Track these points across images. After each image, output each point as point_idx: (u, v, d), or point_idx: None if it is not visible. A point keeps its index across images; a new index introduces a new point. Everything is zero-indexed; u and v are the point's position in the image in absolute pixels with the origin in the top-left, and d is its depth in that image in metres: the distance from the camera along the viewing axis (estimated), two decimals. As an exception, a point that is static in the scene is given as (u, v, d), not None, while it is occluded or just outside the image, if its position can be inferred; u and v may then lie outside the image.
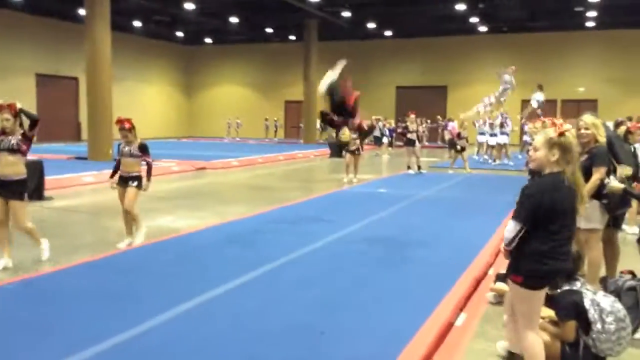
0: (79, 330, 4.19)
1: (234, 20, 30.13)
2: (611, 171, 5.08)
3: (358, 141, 14.31)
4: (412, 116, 16.83)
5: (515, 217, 3.31)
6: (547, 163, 3.31)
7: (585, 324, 3.77)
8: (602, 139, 5.10)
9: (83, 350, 3.79)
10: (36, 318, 4.43)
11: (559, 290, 3.96)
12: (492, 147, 20.45)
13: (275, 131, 36.89)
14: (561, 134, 3.27)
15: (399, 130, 17.40)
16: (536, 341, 3.39)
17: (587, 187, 5.09)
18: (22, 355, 3.74)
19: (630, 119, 13.32)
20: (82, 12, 21.59)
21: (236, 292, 5.12)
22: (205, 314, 4.55)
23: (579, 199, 3.29)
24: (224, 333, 4.16)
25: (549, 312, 3.99)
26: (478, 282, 5.69)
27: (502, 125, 19.94)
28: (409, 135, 16.77)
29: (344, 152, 15.09)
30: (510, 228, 3.32)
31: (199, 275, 5.68)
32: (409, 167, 16.86)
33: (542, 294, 3.40)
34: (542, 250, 3.22)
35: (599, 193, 5.01)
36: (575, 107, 29.71)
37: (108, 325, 4.26)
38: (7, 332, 4.15)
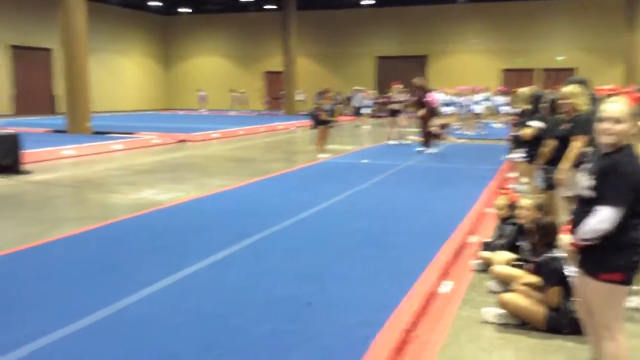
0: (65, 303, 4.16)
1: (211, -11, 29.56)
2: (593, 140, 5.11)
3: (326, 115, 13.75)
4: (395, 86, 16.78)
5: (612, 202, 2.71)
6: (626, 136, 2.83)
7: (568, 290, 3.85)
8: (583, 107, 5.15)
9: (68, 324, 3.77)
10: (20, 292, 4.39)
11: (543, 256, 4.03)
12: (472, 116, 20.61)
13: (244, 104, 36.15)
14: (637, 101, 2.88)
15: (382, 100, 17.24)
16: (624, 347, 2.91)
17: (569, 155, 5.17)
18: (5, 331, 3.70)
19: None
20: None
21: (220, 265, 5.11)
22: (190, 287, 4.55)
23: None
24: (209, 306, 4.15)
25: (533, 279, 4.06)
26: (460, 250, 5.76)
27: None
28: (391, 106, 16.70)
29: (318, 126, 13.66)
30: (604, 217, 2.72)
31: (183, 248, 5.66)
32: (389, 138, 16.88)
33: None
34: (636, 237, 2.75)
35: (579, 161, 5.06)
36: (554, 76, 29.89)
37: (94, 298, 4.24)
38: (-10, 307, 4.10)
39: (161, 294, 4.38)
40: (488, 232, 6.25)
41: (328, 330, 3.76)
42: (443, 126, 17.23)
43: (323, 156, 13.23)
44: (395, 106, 16.38)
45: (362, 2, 33.48)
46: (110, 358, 3.37)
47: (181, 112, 35.42)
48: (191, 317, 3.94)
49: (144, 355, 3.41)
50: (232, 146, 16.55)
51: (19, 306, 4.14)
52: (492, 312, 4.07)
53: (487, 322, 4.04)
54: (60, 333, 3.65)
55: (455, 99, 20.31)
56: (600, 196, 2.76)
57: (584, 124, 5.10)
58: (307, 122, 24.20)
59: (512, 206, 5.32)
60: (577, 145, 5.05)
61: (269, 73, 38.10)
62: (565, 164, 5.20)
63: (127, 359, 3.37)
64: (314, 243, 5.87)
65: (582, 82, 5.60)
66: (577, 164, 5.06)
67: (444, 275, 4.99)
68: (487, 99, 21.41)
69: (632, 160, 2.78)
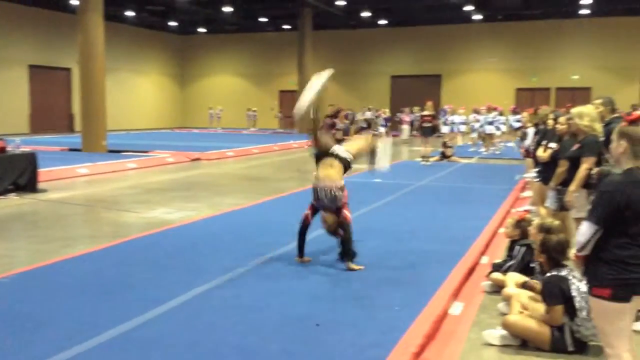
0: (76, 322, 4.19)
1: (227, 9, 29.89)
2: (602, 162, 5.14)
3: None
4: (430, 103, 16.94)
5: (589, 217, 2.89)
6: (618, 156, 2.92)
7: (571, 310, 3.84)
8: (590, 129, 5.20)
9: (80, 343, 3.79)
10: (32, 310, 4.42)
11: (547, 275, 4.03)
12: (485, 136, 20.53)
13: (254, 122, 36.48)
14: (630, 121, 2.91)
15: (424, 117, 17.03)
16: None
17: (577, 177, 5.18)
18: (18, 349, 3.73)
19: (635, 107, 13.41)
20: (74, 1, 21.43)
21: (231, 284, 5.11)
22: (201, 306, 4.55)
23: None
24: (220, 325, 4.16)
25: (525, 298, 4.14)
26: (472, 271, 5.72)
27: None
28: (424, 124, 16.73)
29: None
30: (582, 230, 2.90)
31: (194, 267, 5.67)
32: (425, 158, 16.55)
33: (632, 307, 2.89)
34: (624, 256, 2.81)
35: (588, 182, 5.10)
36: (569, 95, 29.75)
37: (105, 316, 4.27)
38: (1, 326, 4.14)
39: (173, 313, 4.39)
40: (500, 253, 6.22)
41: (337, 351, 3.74)
42: (445, 144, 17.19)
43: None
44: (429, 124, 16.49)
45: (377, 22, 33.71)
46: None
47: (196, 131, 35.70)
48: (203, 337, 3.95)
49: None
50: (246, 165, 16.63)
51: (32, 324, 4.16)
52: (495, 334, 4.07)
53: (490, 345, 4.03)
54: (70, 352, 3.66)
55: (460, 118, 20.59)
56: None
57: (592, 145, 5.14)
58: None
59: (522, 226, 5.29)
60: (585, 167, 5.08)
61: (284, 92, 38.35)
62: (573, 186, 5.21)
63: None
64: (326, 263, 5.87)
65: (606, 103, 5.67)
66: (587, 186, 5.09)
67: (455, 296, 4.96)
68: (502, 120, 21.37)
69: (619, 180, 2.85)
